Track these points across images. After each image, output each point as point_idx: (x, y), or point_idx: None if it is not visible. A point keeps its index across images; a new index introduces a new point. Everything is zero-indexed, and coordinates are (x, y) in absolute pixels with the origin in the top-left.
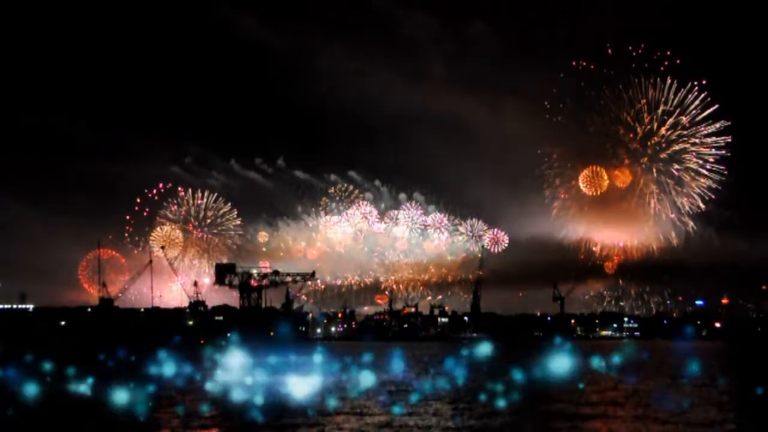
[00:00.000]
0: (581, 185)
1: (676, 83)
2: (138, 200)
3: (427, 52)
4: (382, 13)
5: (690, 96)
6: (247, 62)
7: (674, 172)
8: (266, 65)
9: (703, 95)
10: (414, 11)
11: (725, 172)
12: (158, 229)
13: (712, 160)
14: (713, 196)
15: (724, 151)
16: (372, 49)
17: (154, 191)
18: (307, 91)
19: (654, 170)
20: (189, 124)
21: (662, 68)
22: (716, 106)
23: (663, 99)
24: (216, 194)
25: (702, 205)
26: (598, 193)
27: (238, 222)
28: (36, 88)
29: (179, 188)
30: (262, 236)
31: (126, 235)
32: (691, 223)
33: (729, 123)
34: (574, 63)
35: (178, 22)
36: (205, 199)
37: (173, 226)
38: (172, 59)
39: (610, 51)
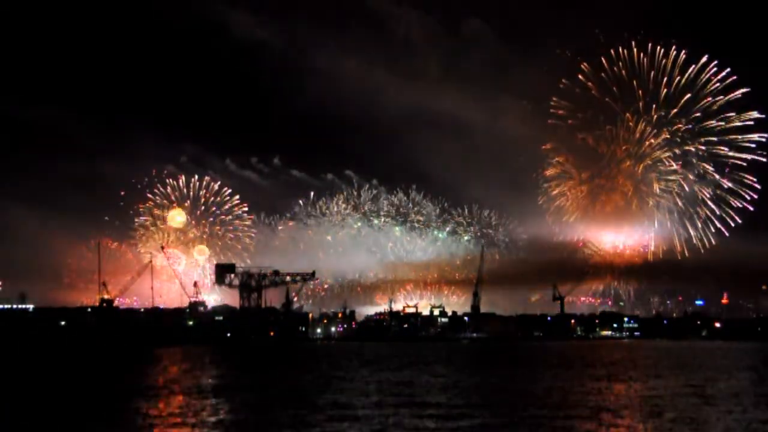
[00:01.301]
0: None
1: (685, 55)
2: (123, 193)
3: (423, 49)
4: (377, 11)
5: (702, 78)
6: (243, 60)
7: (681, 181)
8: (261, 63)
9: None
10: (409, 8)
11: (757, 186)
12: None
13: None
14: (737, 219)
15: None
16: (368, 47)
17: (145, 181)
18: (303, 89)
19: (655, 169)
20: (184, 122)
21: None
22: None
23: (665, 86)
24: (218, 183)
25: (710, 214)
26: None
27: (248, 222)
28: (29, 86)
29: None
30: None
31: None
32: (691, 224)
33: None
34: (558, 51)
35: (173, 21)
36: (204, 189)
37: (173, 211)
38: (167, 58)
39: (602, 38)
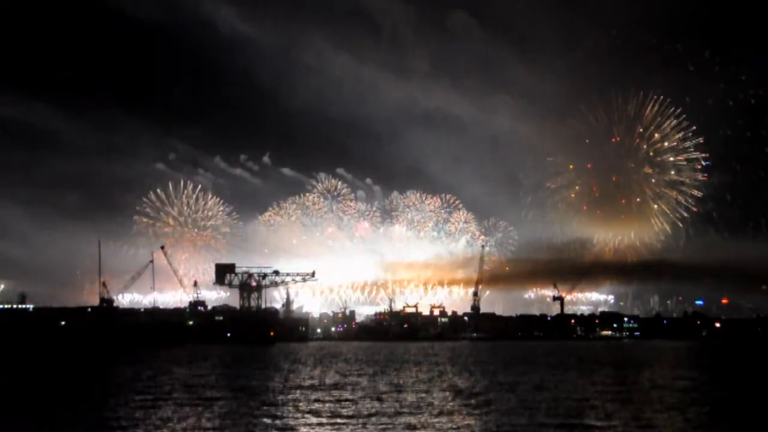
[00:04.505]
0: None
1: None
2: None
3: (412, 45)
4: (365, 6)
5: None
6: (232, 58)
7: (675, 175)
8: (251, 61)
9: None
10: (395, 2)
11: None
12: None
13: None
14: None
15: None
16: (358, 44)
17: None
18: (293, 87)
19: (649, 168)
20: (174, 120)
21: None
22: None
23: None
24: (198, 186)
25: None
26: None
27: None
28: (18, 83)
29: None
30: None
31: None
32: (691, 224)
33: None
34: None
35: (163, 19)
36: (191, 196)
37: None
38: (159, 55)
39: (609, 44)
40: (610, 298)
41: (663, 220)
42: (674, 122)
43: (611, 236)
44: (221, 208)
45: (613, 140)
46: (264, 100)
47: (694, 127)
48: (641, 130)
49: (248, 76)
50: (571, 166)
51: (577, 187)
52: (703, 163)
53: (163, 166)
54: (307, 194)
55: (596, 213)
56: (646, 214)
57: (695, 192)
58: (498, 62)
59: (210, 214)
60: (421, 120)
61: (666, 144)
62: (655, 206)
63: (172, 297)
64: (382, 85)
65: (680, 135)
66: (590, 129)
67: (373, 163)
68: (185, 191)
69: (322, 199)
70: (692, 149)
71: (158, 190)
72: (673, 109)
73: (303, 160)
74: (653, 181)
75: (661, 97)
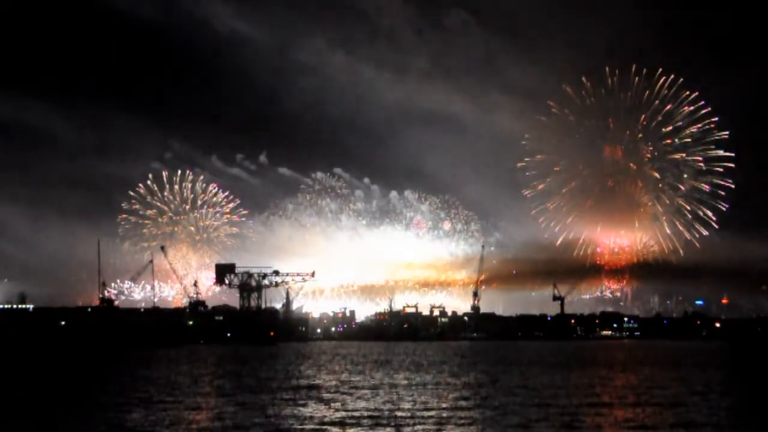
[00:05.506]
0: None
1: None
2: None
3: (410, 44)
4: (363, 5)
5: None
6: (230, 57)
7: (675, 172)
8: (248, 60)
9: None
10: (394, 1)
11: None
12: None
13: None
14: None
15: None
16: (356, 43)
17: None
18: (291, 86)
19: (654, 170)
20: (170, 119)
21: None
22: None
23: (662, 93)
24: (201, 177)
25: (703, 208)
26: None
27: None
28: (17, 83)
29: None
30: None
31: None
32: (692, 224)
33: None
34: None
35: (161, 18)
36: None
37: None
38: (154, 55)
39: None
40: (611, 297)
41: (663, 221)
42: (689, 110)
43: (612, 236)
44: (229, 205)
45: (611, 129)
46: (261, 99)
47: (717, 118)
48: (645, 122)
49: (246, 76)
50: (557, 168)
51: (565, 193)
52: (710, 164)
53: (160, 165)
54: (305, 194)
55: (598, 213)
56: (646, 214)
57: (719, 205)
58: (497, 61)
59: (212, 211)
60: (420, 119)
61: (677, 140)
62: (664, 218)
63: (172, 295)
64: (380, 85)
65: (697, 128)
66: (583, 120)
67: (372, 163)
68: (183, 184)
69: (320, 199)
70: (713, 147)
71: (154, 187)
72: (687, 93)
73: (300, 160)
74: (660, 186)
75: (672, 75)
